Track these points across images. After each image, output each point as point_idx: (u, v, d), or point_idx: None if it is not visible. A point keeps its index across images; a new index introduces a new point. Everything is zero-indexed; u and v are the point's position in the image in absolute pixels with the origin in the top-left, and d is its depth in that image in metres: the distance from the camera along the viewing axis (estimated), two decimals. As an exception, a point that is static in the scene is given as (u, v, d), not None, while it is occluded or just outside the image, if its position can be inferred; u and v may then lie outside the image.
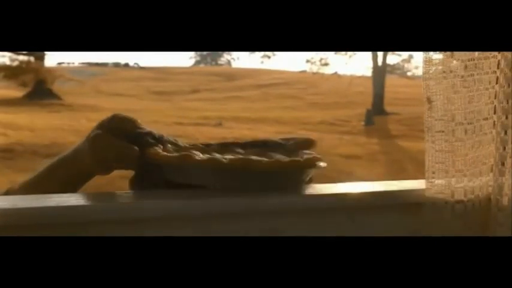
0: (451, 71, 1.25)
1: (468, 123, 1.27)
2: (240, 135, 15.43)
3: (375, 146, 14.84)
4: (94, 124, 1.18)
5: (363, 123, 20.92)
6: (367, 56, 28.32)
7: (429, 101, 1.25)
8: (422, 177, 1.25)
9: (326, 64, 28.56)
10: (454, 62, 1.24)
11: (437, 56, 1.24)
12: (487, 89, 1.31)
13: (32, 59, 25.33)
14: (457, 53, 1.24)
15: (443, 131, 1.26)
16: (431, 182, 1.26)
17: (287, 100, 28.77)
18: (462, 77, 1.25)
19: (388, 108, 24.36)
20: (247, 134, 15.81)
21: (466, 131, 1.28)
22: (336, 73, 28.99)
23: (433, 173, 1.25)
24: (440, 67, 1.24)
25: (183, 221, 1.15)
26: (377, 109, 23.44)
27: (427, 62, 1.24)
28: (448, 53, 1.24)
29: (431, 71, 1.25)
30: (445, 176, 1.25)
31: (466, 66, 1.25)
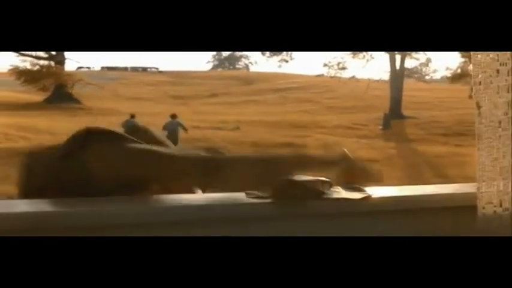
0: (497, 75, 1.20)
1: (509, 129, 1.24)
2: (257, 138, 15.47)
3: (392, 150, 14.75)
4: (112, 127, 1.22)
5: (380, 127, 20.79)
6: (385, 59, 28.16)
7: (478, 106, 1.21)
8: (439, 182, 1.29)
9: (343, 68, 28.40)
10: (499, 65, 1.20)
11: (485, 58, 1.19)
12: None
13: (52, 63, 25.61)
14: (501, 56, 1.20)
15: (491, 138, 1.23)
16: (482, 192, 1.23)
17: (304, 104, 28.70)
18: (506, 80, 1.21)
19: (405, 112, 24.16)
20: (264, 138, 15.83)
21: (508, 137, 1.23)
22: (353, 77, 28.79)
23: (483, 181, 1.23)
24: (487, 70, 1.20)
25: (199, 224, 1.16)
26: (394, 113, 23.26)
27: (476, 65, 1.20)
28: (494, 56, 1.19)
29: (479, 75, 1.20)
30: (493, 184, 1.23)
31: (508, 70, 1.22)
